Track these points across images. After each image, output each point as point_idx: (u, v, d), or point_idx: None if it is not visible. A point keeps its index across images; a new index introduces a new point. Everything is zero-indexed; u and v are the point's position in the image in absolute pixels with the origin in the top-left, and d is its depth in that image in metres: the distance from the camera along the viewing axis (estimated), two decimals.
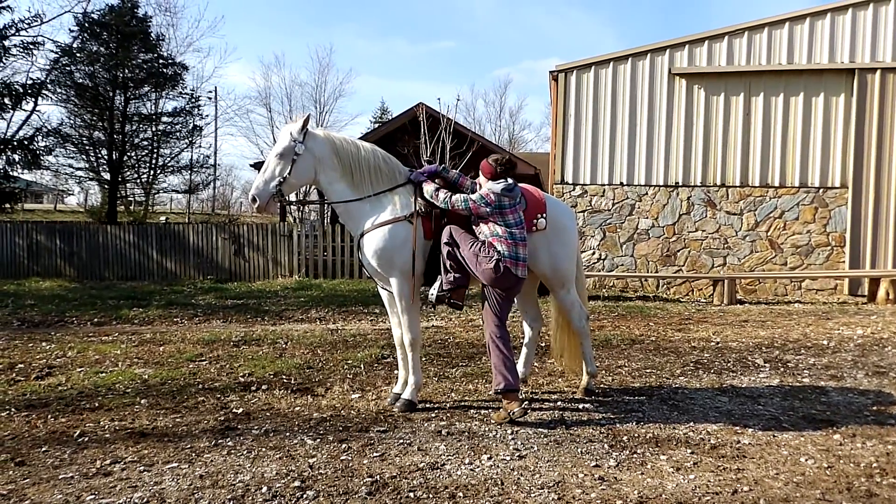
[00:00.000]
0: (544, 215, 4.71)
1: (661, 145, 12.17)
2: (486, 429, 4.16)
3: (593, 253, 12.42)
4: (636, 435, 4.08)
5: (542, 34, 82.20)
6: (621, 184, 12.34)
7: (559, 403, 4.78)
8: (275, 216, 3.91)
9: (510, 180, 4.50)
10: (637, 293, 12.05)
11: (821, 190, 11.74)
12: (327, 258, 14.07)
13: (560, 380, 5.49)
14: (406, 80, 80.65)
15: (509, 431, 4.09)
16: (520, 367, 5.10)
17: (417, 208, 4.50)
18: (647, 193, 12.27)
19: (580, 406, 4.72)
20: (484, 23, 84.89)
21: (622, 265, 12.37)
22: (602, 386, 5.28)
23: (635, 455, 3.73)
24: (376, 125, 38.19)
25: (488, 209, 4.36)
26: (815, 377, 5.66)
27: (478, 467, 3.52)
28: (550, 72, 12.66)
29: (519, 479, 3.37)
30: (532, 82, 78.66)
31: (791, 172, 11.84)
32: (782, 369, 5.97)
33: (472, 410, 4.57)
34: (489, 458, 3.64)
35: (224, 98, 51.60)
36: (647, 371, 5.86)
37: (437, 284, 4.47)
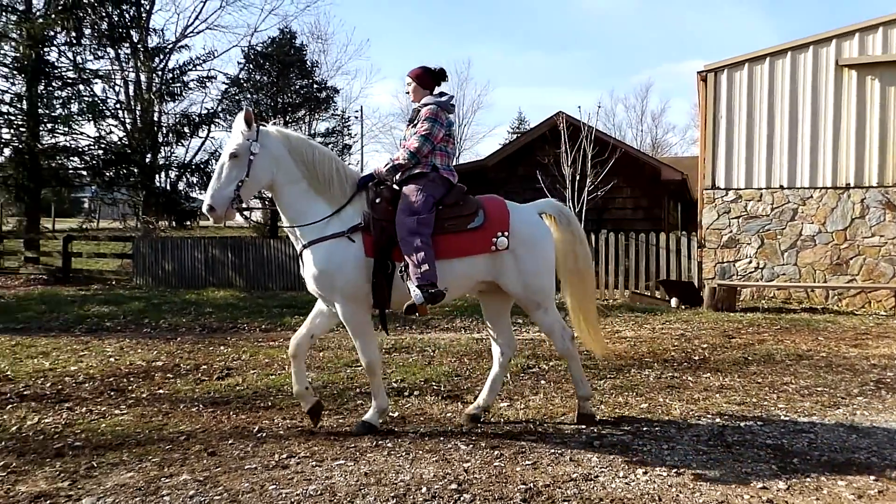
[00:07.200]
0: (506, 233, 4.24)
1: (828, 144, 11.17)
2: (641, 443, 4.06)
3: (750, 262, 11.64)
4: (808, 457, 3.79)
5: (686, 34, 78.29)
6: (781, 187, 11.47)
7: (717, 421, 4.55)
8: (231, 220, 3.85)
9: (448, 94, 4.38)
10: (802, 305, 11.10)
11: None
12: None
13: (717, 395, 5.22)
14: (543, 88, 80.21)
15: (665, 447, 3.96)
16: (483, 395, 4.68)
17: (360, 221, 4.11)
18: (811, 196, 11.30)
19: (742, 424, 4.46)
20: (622, 28, 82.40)
21: (784, 275, 11.47)
22: (765, 404, 4.95)
23: (808, 479, 3.46)
24: (514, 136, 38.42)
25: (443, 131, 4.17)
26: None
27: (633, 481, 3.45)
28: (698, 72, 12.09)
29: (678, 495, 3.26)
30: (674, 85, 75.27)
31: None
32: None
33: (624, 424, 4.47)
34: (644, 473, 3.55)
35: (369, 116, 54.52)
36: (818, 389, 5.40)
37: (412, 289, 4.07)
